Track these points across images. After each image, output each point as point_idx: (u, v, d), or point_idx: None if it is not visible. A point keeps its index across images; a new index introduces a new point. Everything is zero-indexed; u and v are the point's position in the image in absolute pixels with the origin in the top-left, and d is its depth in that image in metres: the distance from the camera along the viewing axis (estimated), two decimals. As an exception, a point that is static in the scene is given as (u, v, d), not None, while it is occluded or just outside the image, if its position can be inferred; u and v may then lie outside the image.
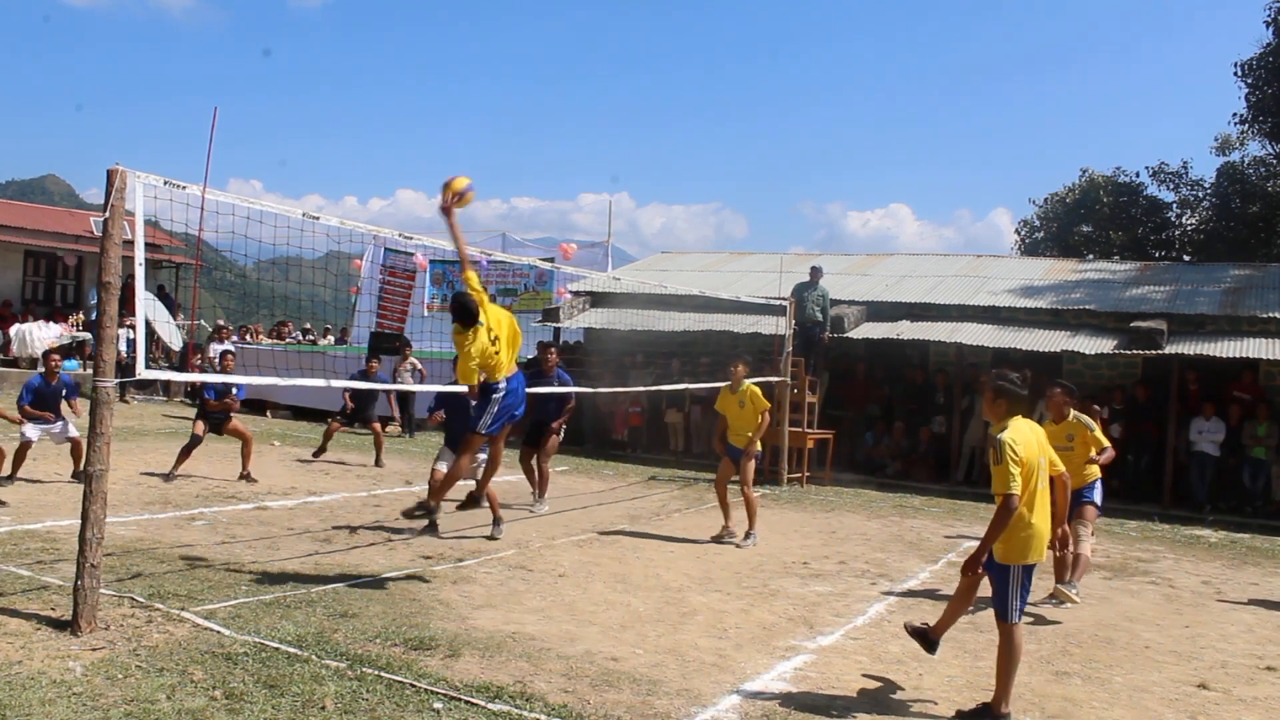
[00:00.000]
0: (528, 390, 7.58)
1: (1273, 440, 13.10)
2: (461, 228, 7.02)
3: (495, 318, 6.87)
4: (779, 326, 14.54)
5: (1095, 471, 7.60)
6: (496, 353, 6.87)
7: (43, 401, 10.20)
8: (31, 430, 10.06)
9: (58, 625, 5.31)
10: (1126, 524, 11.83)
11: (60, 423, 10.28)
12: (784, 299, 14.60)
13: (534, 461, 10.48)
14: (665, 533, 9.60)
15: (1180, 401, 13.67)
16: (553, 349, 10.93)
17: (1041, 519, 4.95)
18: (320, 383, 8.46)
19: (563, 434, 10.80)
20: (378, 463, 13.27)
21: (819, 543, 9.61)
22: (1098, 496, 7.62)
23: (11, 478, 9.79)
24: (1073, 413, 9.97)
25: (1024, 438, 4.88)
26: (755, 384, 9.48)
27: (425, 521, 8.28)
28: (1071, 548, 7.20)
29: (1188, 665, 6.07)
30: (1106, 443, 9.97)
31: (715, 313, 16.43)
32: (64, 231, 24.56)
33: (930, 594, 7.60)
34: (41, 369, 11.06)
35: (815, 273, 15.12)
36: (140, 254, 5.53)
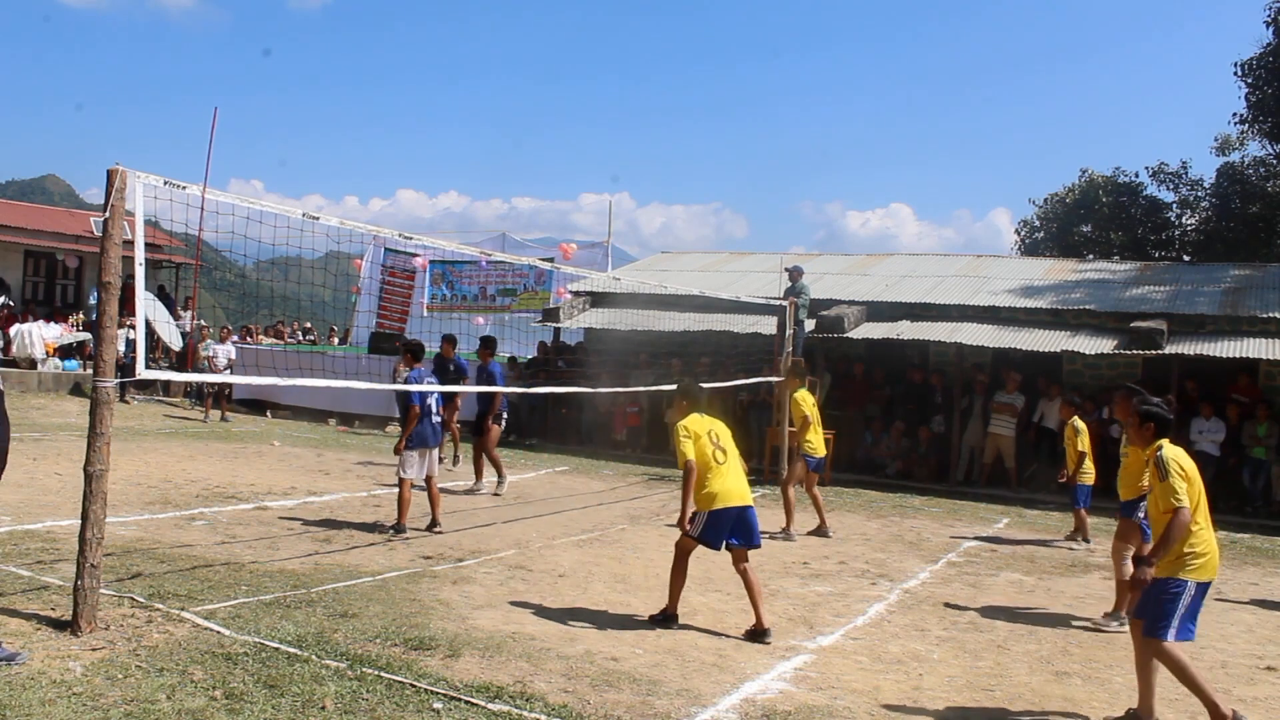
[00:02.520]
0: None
1: (1273, 440, 13.10)
2: None
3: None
4: (777, 327, 14.52)
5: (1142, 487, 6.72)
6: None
7: None
8: None
9: (58, 625, 5.31)
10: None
11: None
12: (783, 300, 14.59)
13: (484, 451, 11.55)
14: (665, 533, 9.60)
15: (1180, 402, 13.67)
16: (485, 347, 11.86)
17: (1211, 535, 4.85)
18: (321, 382, 8.47)
19: (502, 422, 11.83)
20: None
21: (819, 543, 9.62)
22: (1139, 514, 6.82)
23: None
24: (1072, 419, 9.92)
25: (1184, 455, 4.92)
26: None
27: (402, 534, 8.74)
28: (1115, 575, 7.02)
29: (1188, 665, 6.06)
30: (1082, 449, 9.90)
31: (715, 313, 16.42)
32: (64, 231, 24.55)
33: (930, 594, 7.60)
34: None
35: (795, 273, 15.02)
36: (140, 254, 5.53)
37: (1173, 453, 4.89)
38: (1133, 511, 6.84)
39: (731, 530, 6.19)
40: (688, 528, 6.24)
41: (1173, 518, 4.69)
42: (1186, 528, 4.70)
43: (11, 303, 6.11)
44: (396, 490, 8.88)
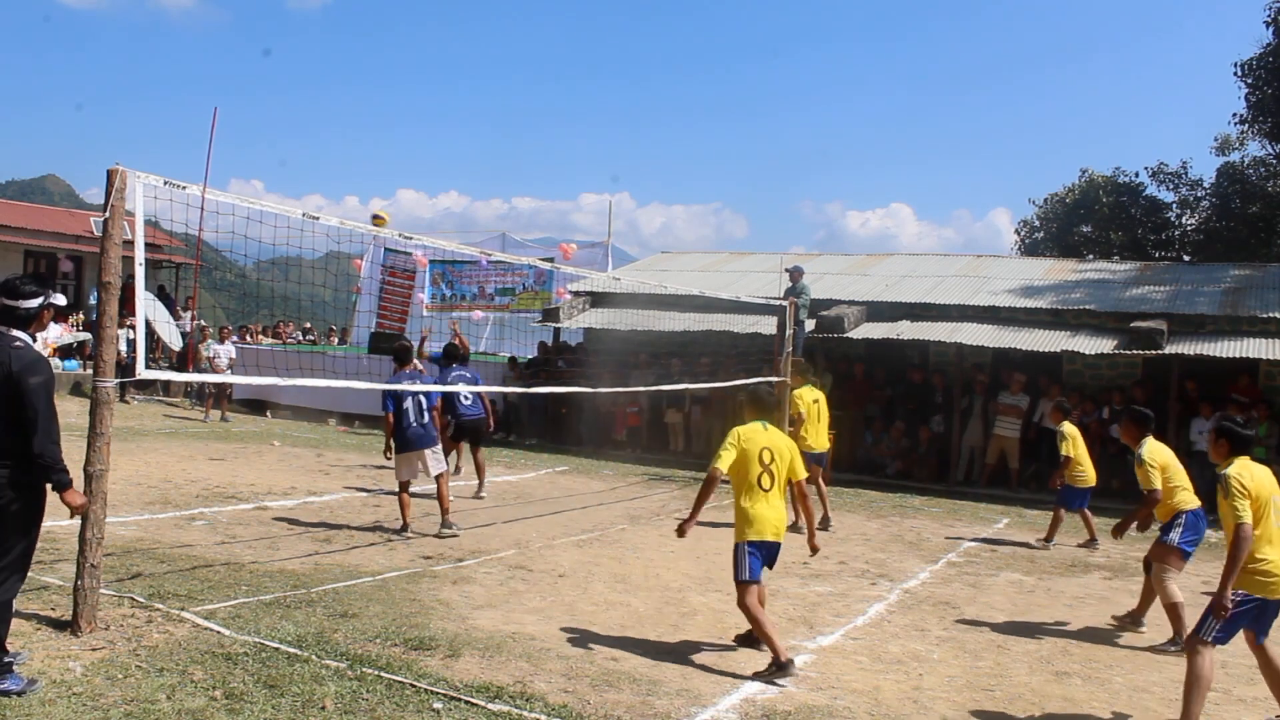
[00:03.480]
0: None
1: (1273, 440, 13.09)
2: None
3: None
4: (777, 327, 14.52)
5: (1175, 504, 6.65)
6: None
7: None
8: None
9: (58, 625, 5.31)
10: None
11: None
12: (783, 300, 14.59)
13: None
14: (665, 533, 9.60)
15: (1179, 402, 13.67)
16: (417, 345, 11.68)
17: (1276, 555, 4.83)
18: (321, 382, 8.47)
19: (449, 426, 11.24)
20: None
21: (820, 538, 9.60)
22: (1173, 535, 6.58)
23: None
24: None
25: (1251, 472, 4.95)
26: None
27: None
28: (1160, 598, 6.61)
29: (1188, 665, 6.06)
30: (1065, 453, 9.87)
31: (715, 313, 16.42)
32: (64, 231, 24.55)
33: (930, 594, 7.60)
34: None
35: (795, 274, 15.01)
36: (140, 254, 5.53)
37: (1237, 469, 4.92)
38: (1166, 533, 6.60)
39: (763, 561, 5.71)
40: (686, 533, 5.78)
41: (1235, 534, 4.76)
42: (1248, 544, 4.74)
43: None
44: (396, 493, 8.90)
